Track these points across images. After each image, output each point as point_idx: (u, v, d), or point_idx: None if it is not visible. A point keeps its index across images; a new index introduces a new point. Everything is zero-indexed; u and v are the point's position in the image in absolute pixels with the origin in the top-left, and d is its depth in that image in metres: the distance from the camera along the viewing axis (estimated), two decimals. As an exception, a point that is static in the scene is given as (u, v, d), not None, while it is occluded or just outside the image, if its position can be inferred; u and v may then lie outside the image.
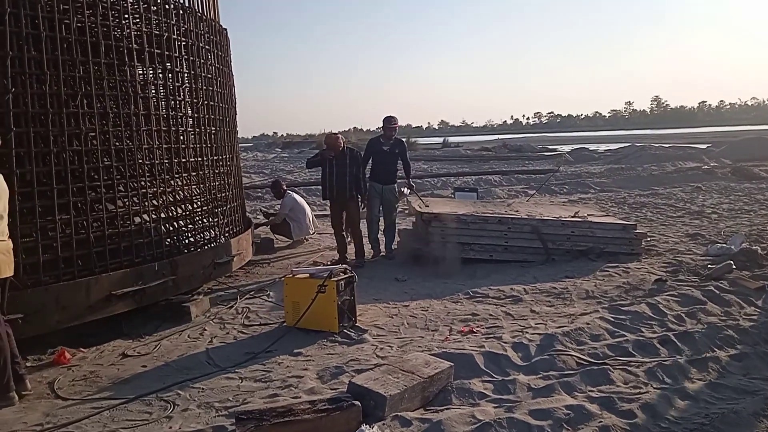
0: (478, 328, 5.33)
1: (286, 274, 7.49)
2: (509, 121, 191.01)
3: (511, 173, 22.22)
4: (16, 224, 4.91)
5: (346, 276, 5.58)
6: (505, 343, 4.75)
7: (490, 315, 5.78)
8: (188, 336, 5.54)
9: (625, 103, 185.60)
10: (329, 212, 8.69)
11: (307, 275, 5.69)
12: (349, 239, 8.56)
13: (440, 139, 56.47)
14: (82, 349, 5.22)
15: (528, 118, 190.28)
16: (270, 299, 6.66)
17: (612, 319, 5.19)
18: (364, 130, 76.22)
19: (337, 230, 8.41)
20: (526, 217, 8.26)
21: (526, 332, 5.01)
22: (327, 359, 4.77)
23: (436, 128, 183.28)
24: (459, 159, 32.34)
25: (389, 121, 8.51)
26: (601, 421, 3.49)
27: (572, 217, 8.49)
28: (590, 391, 3.95)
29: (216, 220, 7.41)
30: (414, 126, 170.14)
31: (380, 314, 5.99)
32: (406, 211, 13.06)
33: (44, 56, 5.21)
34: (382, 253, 8.73)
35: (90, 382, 4.52)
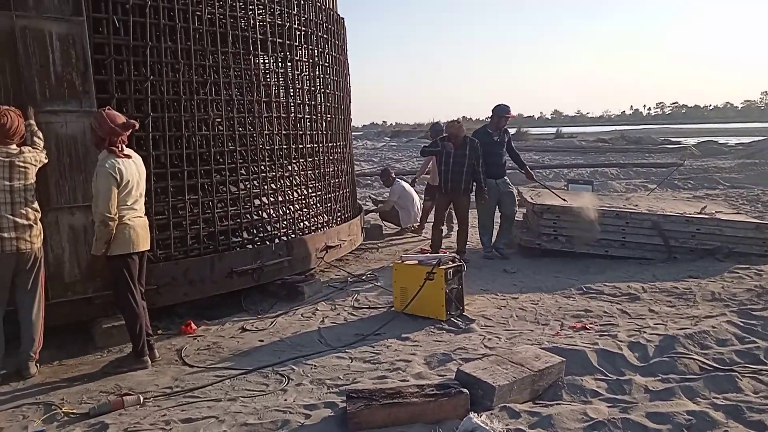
0: (591, 325, 5.14)
1: (394, 260, 7.63)
2: (628, 112, 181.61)
3: (629, 166, 21.15)
4: (150, 202, 5.31)
5: (455, 265, 5.57)
6: (621, 341, 4.55)
7: (605, 312, 5.55)
8: (301, 315, 5.76)
9: (762, 93, 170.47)
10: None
11: (416, 262, 5.73)
12: (445, 233, 8.29)
13: (553, 130, 54.71)
14: (206, 321, 5.57)
15: (649, 109, 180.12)
16: (379, 284, 6.78)
17: (741, 324, 4.82)
18: (473, 119, 75.36)
19: (438, 224, 8.00)
20: (647, 212, 7.84)
21: (644, 332, 4.77)
22: (434, 346, 4.79)
23: (549, 118, 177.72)
24: (573, 150, 31.17)
25: (504, 110, 8.00)
26: (726, 430, 3.26)
27: (698, 213, 7.95)
28: (715, 398, 3.70)
29: (329, 205, 7.63)
30: (525, 116, 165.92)
31: (488, 305, 5.93)
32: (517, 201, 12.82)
33: (178, 46, 5.57)
34: (494, 254, 8.11)
35: (213, 352, 4.82)
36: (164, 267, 5.44)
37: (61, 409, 3.78)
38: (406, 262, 5.75)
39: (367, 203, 11.91)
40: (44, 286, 4.52)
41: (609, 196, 10.45)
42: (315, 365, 4.45)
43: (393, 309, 5.75)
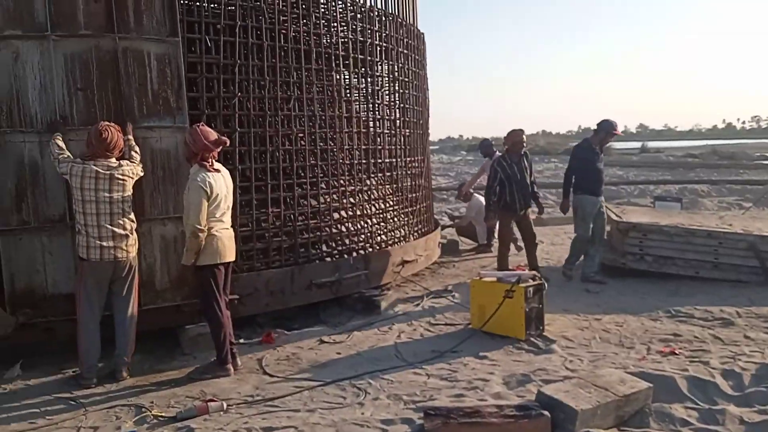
0: (680, 350, 4.88)
1: (472, 276, 7.54)
2: (720, 125, 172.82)
3: (721, 183, 20.06)
4: (235, 215, 5.50)
5: (536, 283, 5.44)
6: (713, 369, 4.30)
7: (695, 337, 5.27)
8: (378, 329, 5.78)
9: None
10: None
11: (495, 279, 5.64)
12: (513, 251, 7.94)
13: (638, 144, 52.72)
14: (285, 332, 5.69)
15: (743, 122, 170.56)
16: (455, 300, 6.72)
17: None
18: (553, 133, 73.69)
19: (506, 245, 7.51)
20: (742, 232, 7.39)
21: (739, 359, 4.49)
22: (513, 366, 4.69)
23: (634, 132, 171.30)
24: (660, 165, 29.93)
25: (611, 126, 7.51)
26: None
27: (800, 234, 7.42)
28: (819, 433, 3.43)
29: (406, 219, 7.66)
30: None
31: (569, 326, 5.75)
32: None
33: (265, 63, 5.77)
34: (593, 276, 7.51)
35: (292, 363, 4.92)
36: (247, 278, 5.61)
37: (150, 411, 3.95)
38: (485, 279, 5.67)
39: (443, 218, 11.86)
40: (138, 293, 4.76)
41: (700, 215, 9.94)
42: (392, 380, 4.45)
43: (470, 326, 5.68)
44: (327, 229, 6.36)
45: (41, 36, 4.71)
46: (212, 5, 5.54)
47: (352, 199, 6.76)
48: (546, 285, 5.57)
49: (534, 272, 5.89)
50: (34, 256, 4.80)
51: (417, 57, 7.96)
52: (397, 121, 7.41)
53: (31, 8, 4.70)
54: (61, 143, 4.56)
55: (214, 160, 4.61)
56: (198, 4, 5.51)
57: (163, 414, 3.92)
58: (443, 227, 10.12)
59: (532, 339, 5.26)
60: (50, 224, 4.85)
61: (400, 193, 7.57)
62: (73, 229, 4.76)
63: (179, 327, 5.34)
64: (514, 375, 4.43)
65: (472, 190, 10.68)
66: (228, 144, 4.74)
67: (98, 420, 3.92)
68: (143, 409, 4.01)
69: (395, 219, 7.51)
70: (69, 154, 4.53)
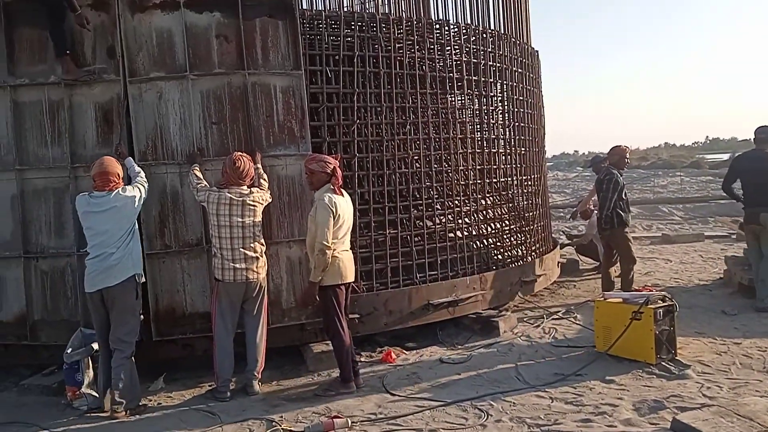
0: (838, 379, 4.43)
1: (594, 296, 7.26)
2: None
3: None
4: (355, 236, 5.68)
5: (666, 304, 5.16)
6: None
7: None
8: (497, 350, 5.71)
9: None
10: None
11: (620, 300, 5.41)
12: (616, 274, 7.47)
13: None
14: (404, 351, 5.76)
15: None
16: (578, 321, 6.50)
17: None
18: (677, 145, 69.51)
19: (607, 265, 7.38)
20: None
21: None
22: (643, 391, 4.46)
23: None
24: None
25: None
26: None
27: None
28: None
29: (523, 238, 7.54)
30: (740, 139, 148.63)
31: (705, 350, 5.38)
32: (733, 236, 11.55)
33: (381, 90, 5.97)
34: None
35: (412, 382, 4.97)
36: (366, 297, 5.76)
37: (280, 426, 4.15)
38: (609, 300, 5.46)
39: (560, 236, 11.53)
40: (267, 312, 5.03)
41: None
42: (514, 403, 4.38)
43: (594, 349, 5.46)
44: (443, 249, 6.39)
45: (181, 76, 5.19)
46: (332, 37, 5.81)
47: (467, 220, 6.77)
48: (677, 306, 5.26)
49: (664, 293, 5.59)
50: (175, 278, 5.23)
51: (531, 75, 7.88)
52: (512, 140, 7.35)
53: (173, 52, 5.19)
54: (198, 173, 4.96)
55: (339, 184, 4.81)
56: (319, 37, 5.79)
57: (292, 428, 4.10)
58: (562, 246, 9.83)
59: (663, 363, 4.97)
60: (189, 248, 5.27)
61: (516, 213, 7.48)
62: (208, 252, 5.15)
63: (303, 345, 5.58)
64: (645, 401, 4.22)
65: (593, 207, 10.30)
66: (342, 161, 4.95)
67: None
68: (273, 423, 4.21)
69: (512, 239, 7.41)
70: (206, 183, 4.91)
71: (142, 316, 4.87)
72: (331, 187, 4.74)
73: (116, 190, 4.55)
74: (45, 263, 5.28)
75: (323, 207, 4.65)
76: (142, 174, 4.85)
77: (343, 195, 4.82)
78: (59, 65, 5.11)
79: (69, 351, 4.73)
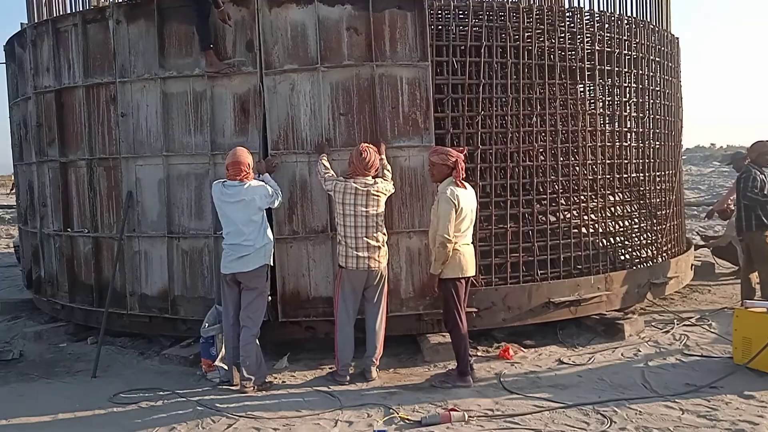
0: None
1: (733, 304, 6.75)
2: None
3: None
4: (475, 229, 5.62)
5: (819, 318, 4.68)
6: None
7: None
8: (621, 354, 5.46)
9: None
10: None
11: (764, 309, 4.98)
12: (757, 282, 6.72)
13: None
14: (522, 349, 5.65)
15: None
16: (712, 330, 6.06)
17: None
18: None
19: (747, 270, 6.77)
20: None
21: None
22: (789, 411, 4.09)
23: None
24: None
25: None
26: None
27: None
28: None
29: (654, 238, 7.12)
30: None
31: None
32: None
33: (508, 81, 5.84)
34: None
35: (530, 381, 4.87)
36: (485, 292, 5.70)
37: (398, 413, 4.22)
38: (752, 309, 5.04)
39: (694, 237, 10.77)
40: (386, 301, 5.12)
41: None
42: (640, 411, 4.17)
43: (732, 361, 5.07)
44: (566, 246, 6.18)
45: (313, 68, 5.37)
46: (459, 28, 5.76)
47: (594, 216, 6.49)
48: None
49: (816, 305, 5.07)
50: (301, 262, 5.46)
51: (669, 64, 7.37)
52: (646, 133, 6.93)
53: (306, 44, 5.39)
54: (327, 163, 5.13)
55: (461, 177, 4.79)
56: (446, 27, 5.76)
57: (409, 417, 4.16)
58: (697, 247, 9.18)
59: (814, 382, 4.53)
60: (314, 234, 5.47)
61: (647, 210, 7.06)
62: (332, 239, 5.33)
63: (420, 335, 5.62)
64: (792, 422, 3.86)
65: (733, 206, 9.53)
66: (466, 154, 4.90)
67: (352, 416, 4.29)
68: (391, 410, 4.29)
69: (642, 237, 7.02)
70: (333, 172, 5.07)
71: (270, 297, 5.14)
72: (453, 179, 4.73)
73: (247, 183, 4.81)
74: (185, 243, 5.71)
75: (445, 200, 4.66)
76: (279, 190, 5.05)
77: (465, 188, 4.79)
78: (203, 58, 5.47)
79: (206, 326, 5.09)
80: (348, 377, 4.95)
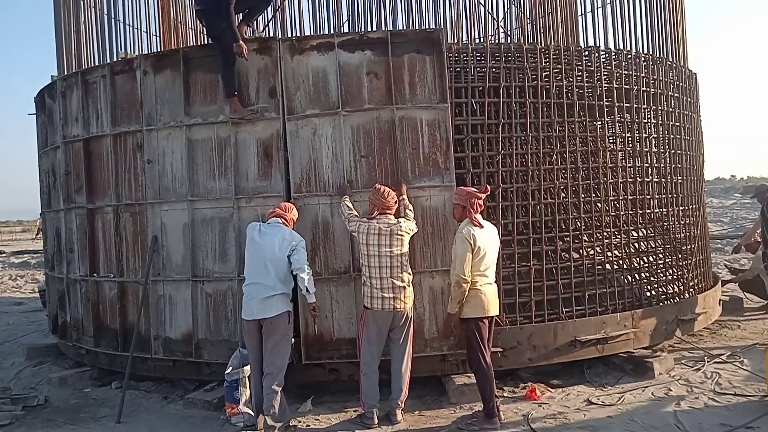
0: None
1: (765, 339, 6.60)
2: None
3: None
4: (498, 268, 5.60)
5: None
6: None
7: None
8: (652, 393, 5.34)
9: None
10: None
11: (798, 346, 4.86)
12: None
13: None
14: (549, 389, 5.55)
15: None
16: (744, 367, 5.91)
17: None
18: None
19: None
20: None
21: None
22: (831, 453, 3.96)
23: None
24: None
25: None
26: None
27: None
28: None
29: (680, 273, 7.02)
30: None
31: None
32: None
33: (527, 120, 5.89)
34: None
35: (559, 422, 4.78)
36: (510, 331, 5.64)
37: (425, 457, 4.15)
38: (785, 346, 4.92)
39: (719, 271, 10.59)
40: (412, 342, 5.08)
41: None
42: (675, 454, 4.06)
43: (767, 399, 4.94)
44: (591, 283, 6.12)
45: (334, 113, 5.48)
46: (477, 69, 5.85)
47: (617, 252, 6.43)
48: None
49: None
50: (324, 304, 5.45)
51: (688, 99, 7.39)
52: (667, 168, 6.91)
53: (327, 90, 5.51)
54: (350, 203, 5.19)
55: (479, 216, 4.81)
56: (465, 69, 5.86)
57: (437, 461, 4.08)
58: (725, 282, 9.02)
59: None
60: (337, 275, 5.49)
61: (672, 245, 6.99)
62: (355, 280, 5.34)
63: (445, 376, 5.56)
64: (834, 465, 3.73)
65: (759, 239, 9.38)
66: (489, 192, 4.93)
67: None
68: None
69: (667, 273, 6.93)
70: (356, 213, 5.12)
71: (294, 340, 5.13)
72: (470, 219, 4.75)
73: (288, 228, 4.92)
74: (209, 286, 5.75)
75: (461, 239, 4.68)
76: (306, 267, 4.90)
77: (482, 226, 4.79)
78: (227, 105, 5.60)
79: (229, 369, 5.09)
80: (376, 419, 4.88)
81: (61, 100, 6.73)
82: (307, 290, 4.75)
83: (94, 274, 6.40)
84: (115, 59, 6.54)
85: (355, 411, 5.12)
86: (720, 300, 7.82)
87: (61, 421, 5.38)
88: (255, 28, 7.50)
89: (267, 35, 7.53)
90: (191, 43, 8.39)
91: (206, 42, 6.55)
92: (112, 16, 6.84)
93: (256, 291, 4.79)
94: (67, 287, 6.87)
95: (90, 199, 6.41)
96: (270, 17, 8.31)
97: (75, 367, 6.79)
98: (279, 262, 4.79)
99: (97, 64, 6.69)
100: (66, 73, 6.99)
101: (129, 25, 7.24)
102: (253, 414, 4.91)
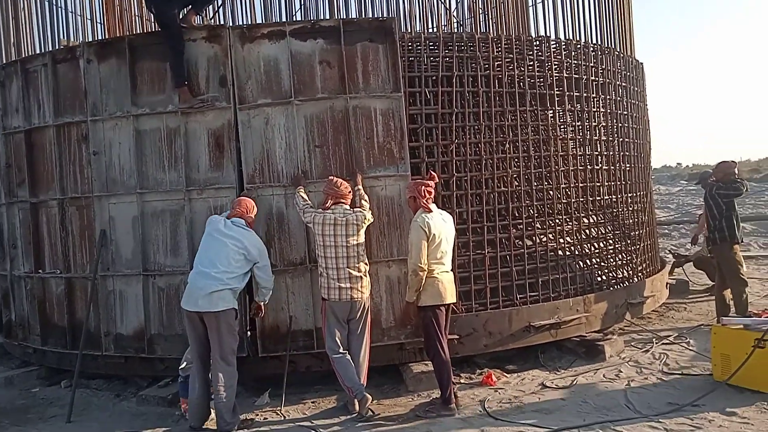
0: None
1: (709, 321, 6.85)
2: None
3: None
4: (454, 257, 5.64)
5: (793, 331, 4.76)
6: None
7: None
8: (603, 375, 5.48)
9: None
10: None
11: (740, 326, 5.06)
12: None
13: None
14: (505, 374, 5.64)
15: None
16: (691, 347, 6.13)
17: None
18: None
19: (721, 287, 6.77)
20: None
21: None
22: (771, 426, 4.14)
23: None
24: None
25: None
26: None
27: None
28: None
29: (629, 258, 7.22)
30: None
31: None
32: None
33: (480, 109, 5.94)
34: None
35: (515, 407, 4.86)
36: (466, 318, 5.70)
37: (383, 446, 4.16)
38: (729, 326, 5.12)
39: (666, 255, 10.94)
40: (369, 332, 5.08)
41: None
42: (625, 432, 4.19)
43: (712, 378, 5.13)
44: (544, 270, 6.23)
45: (287, 102, 5.40)
46: (431, 59, 5.86)
47: (569, 239, 6.57)
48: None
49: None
50: (280, 296, 5.40)
51: (635, 88, 7.58)
52: (615, 156, 7.08)
53: (279, 79, 5.43)
54: (304, 195, 5.14)
55: (429, 202, 4.83)
56: (418, 59, 5.86)
57: (395, 449, 4.10)
58: (679, 264, 9.25)
59: (792, 396, 4.60)
60: (293, 267, 5.44)
61: (621, 231, 7.18)
62: (311, 272, 5.31)
63: (403, 364, 5.58)
64: (774, 437, 3.90)
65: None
66: (436, 179, 4.96)
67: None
68: (377, 443, 4.23)
69: (617, 258, 7.12)
70: (311, 204, 5.07)
71: (248, 333, 5.05)
72: (423, 206, 4.77)
73: (252, 231, 4.85)
74: (162, 280, 5.61)
75: (416, 227, 4.71)
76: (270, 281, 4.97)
77: (431, 211, 4.80)
78: (176, 95, 5.45)
79: (184, 365, 4.98)
80: (369, 397, 4.80)
81: (-1, 90, 6.46)
82: (264, 299, 4.96)
83: (40, 271, 6.18)
84: (56, 47, 6.29)
85: (313, 402, 5.10)
86: (667, 283, 8.09)
87: (7, 423, 5.18)
88: (204, 15, 7.31)
89: (217, 23, 7.38)
90: (137, 31, 8.15)
91: (153, 29, 6.37)
92: (53, 2, 6.58)
93: (204, 283, 4.58)
94: (11, 284, 6.62)
95: (33, 192, 6.17)
96: (220, 4, 8.15)
97: (21, 366, 6.56)
98: (240, 264, 4.69)
99: (37, 52, 6.42)
100: (4, 62, 6.69)
101: (71, 12, 6.99)
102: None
